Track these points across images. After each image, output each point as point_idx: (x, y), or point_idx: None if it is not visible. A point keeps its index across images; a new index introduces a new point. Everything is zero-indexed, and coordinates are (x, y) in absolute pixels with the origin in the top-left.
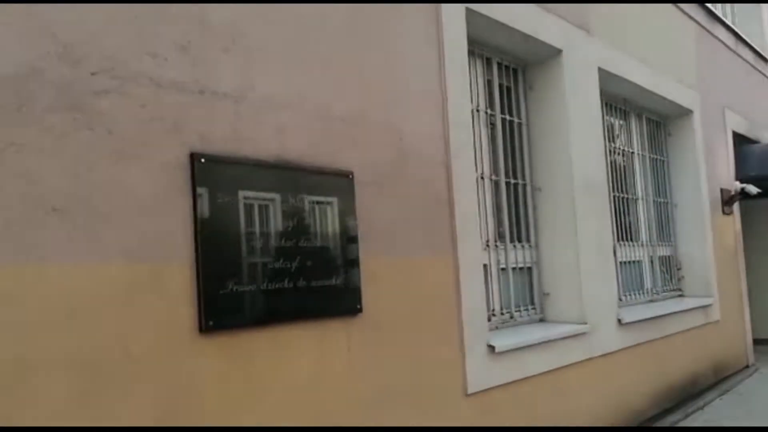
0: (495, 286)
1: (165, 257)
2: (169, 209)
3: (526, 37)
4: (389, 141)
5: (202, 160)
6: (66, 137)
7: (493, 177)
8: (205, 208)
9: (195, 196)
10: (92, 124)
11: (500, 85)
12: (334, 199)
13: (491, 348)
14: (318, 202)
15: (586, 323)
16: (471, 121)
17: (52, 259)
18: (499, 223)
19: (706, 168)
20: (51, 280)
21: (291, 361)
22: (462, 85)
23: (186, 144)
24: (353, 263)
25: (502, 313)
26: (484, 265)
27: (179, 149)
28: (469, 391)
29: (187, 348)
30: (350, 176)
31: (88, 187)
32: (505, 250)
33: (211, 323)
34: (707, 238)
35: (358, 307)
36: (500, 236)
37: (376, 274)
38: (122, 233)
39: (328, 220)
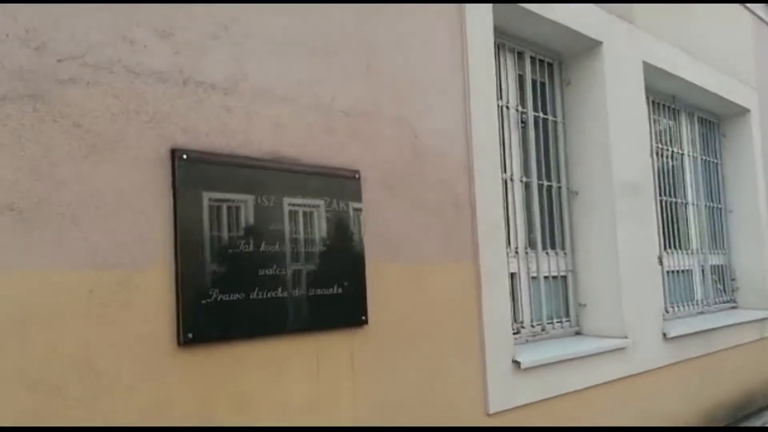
0: (524, 297)
1: (139, 263)
2: (144, 210)
3: (562, 29)
4: (402, 138)
5: (184, 157)
6: (25, 129)
7: (524, 179)
8: (186, 209)
9: (175, 196)
10: (56, 115)
11: (533, 81)
12: (337, 201)
13: (516, 364)
14: (318, 204)
15: (626, 337)
16: (498, 118)
17: (2, 264)
18: (530, 228)
19: (764, 171)
20: (1, 288)
21: (285, 379)
22: (487, 79)
23: (166, 139)
24: (358, 271)
25: (532, 326)
26: (512, 274)
27: (158, 144)
28: (491, 411)
29: (162, 363)
30: (356, 176)
31: (49, 184)
32: (537, 257)
33: (190, 335)
34: (765, 246)
35: (363, 318)
36: (531, 243)
37: (385, 283)
38: (89, 236)
39: (329, 224)
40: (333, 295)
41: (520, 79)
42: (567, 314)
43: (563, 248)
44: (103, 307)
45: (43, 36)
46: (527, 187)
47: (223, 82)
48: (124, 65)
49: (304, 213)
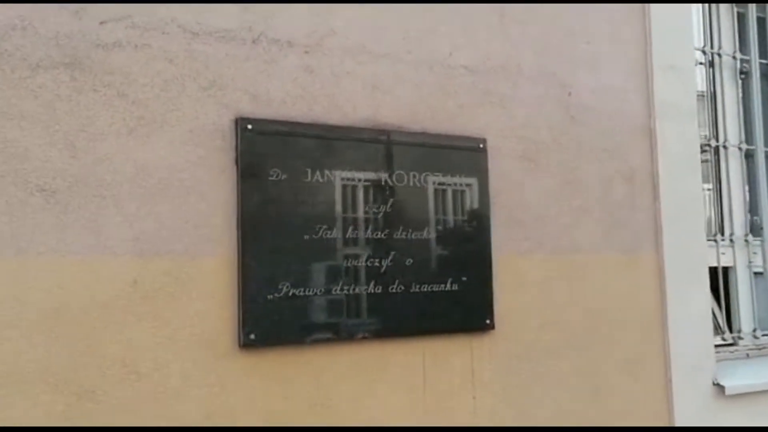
0: (744, 298)
1: (193, 250)
2: (200, 189)
3: None
4: (549, 98)
5: (249, 127)
6: (60, 100)
7: (744, 146)
8: (252, 188)
9: (239, 173)
10: (97, 84)
11: (760, 20)
12: (452, 175)
13: (719, 388)
14: (425, 180)
15: None
16: (707, 69)
17: (32, 249)
18: (753, 209)
19: None
20: (31, 276)
21: (379, 392)
22: (679, 18)
23: (229, 107)
24: (481, 262)
25: (755, 337)
26: (725, 269)
27: (219, 114)
28: None
29: (219, 367)
30: (481, 146)
31: (87, 162)
32: (763, 247)
33: (252, 336)
34: None
35: (488, 322)
36: (754, 228)
37: (519, 279)
38: (133, 220)
39: (442, 205)
40: (445, 292)
41: (741, 19)
42: None
43: None
44: (148, 300)
45: None
46: (749, 156)
47: (304, 39)
48: (179, 24)
49: (404, 191)
